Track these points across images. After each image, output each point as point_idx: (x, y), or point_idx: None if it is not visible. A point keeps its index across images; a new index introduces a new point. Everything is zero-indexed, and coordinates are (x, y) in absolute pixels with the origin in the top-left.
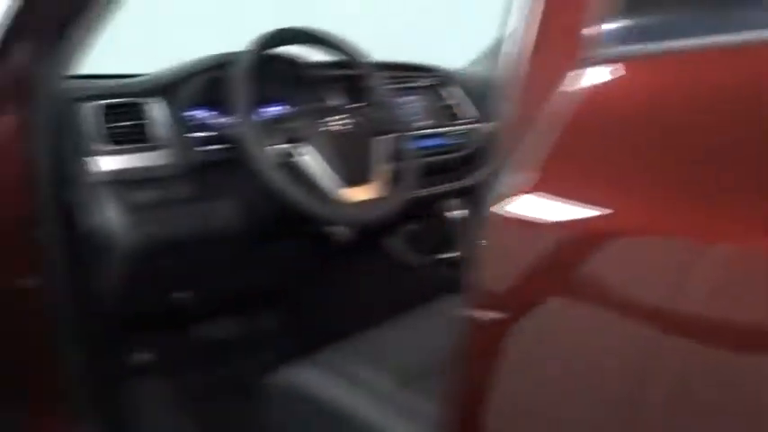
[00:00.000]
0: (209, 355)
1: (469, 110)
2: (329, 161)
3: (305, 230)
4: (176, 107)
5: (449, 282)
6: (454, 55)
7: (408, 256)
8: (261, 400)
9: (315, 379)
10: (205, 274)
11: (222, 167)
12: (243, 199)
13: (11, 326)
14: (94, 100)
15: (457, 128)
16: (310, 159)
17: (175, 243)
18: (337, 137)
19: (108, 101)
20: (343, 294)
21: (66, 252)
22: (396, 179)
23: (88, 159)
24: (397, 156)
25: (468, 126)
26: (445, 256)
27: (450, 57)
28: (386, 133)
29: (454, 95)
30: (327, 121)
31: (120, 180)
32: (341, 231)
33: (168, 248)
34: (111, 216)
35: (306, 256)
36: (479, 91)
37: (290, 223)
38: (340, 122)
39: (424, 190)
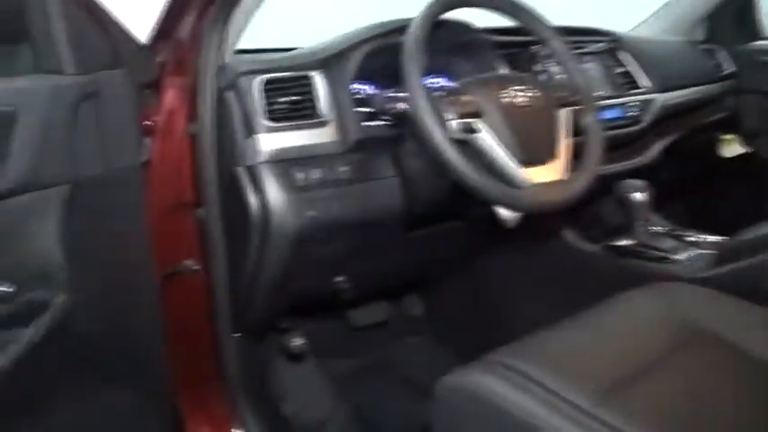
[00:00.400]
0: (359, 340)
1: (642, 78)
2: (508, 137)
3: (471, 213)
4: (341, 80)
5: (625, 273)
6: (620, 16)
7: (581, 243)
8: (430, 401)
9: (496, 385)
10: (361, 258)
11: (387, 145)
12: (407, 179)
13: (174, 306)
14: (257, 74)
15: (634, 98)
16: (488, 136)
17: (336, 225)
18: (517, 110)
19: (270, 75)
20: (505, 283)
21: (227, 233)
22: (580, 157)
23: (253, 136)
24: (581, 130)
25: (645, 96)
26: (621, 243)
27: (615, 18)
28: (570, 105)
29: (629, 62)
30: (505, 93)
31: (282, 159)
32: (511, 215)
33: (329, 231)
34: (273, 197)
35: (466, 239)
36: (651, 57)
37: (455, 205)
38: (519, 94)
39: (603, 168)
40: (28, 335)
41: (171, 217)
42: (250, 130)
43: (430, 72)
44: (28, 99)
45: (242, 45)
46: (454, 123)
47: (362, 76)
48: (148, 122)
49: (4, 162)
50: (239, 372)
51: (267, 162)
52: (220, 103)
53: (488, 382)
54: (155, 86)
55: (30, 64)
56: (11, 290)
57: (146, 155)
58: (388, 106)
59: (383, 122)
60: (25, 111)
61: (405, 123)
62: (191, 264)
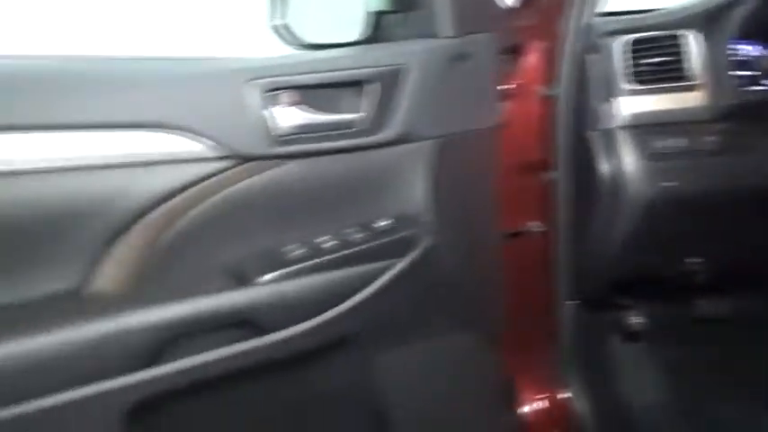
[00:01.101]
0: (703, 332)
1: None
2: None
3: None
4: (717, 40)
5: None
6: None
7: None
8: None
9: None
10: (721, 240)
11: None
12: None
13: (514, 266)
14: (622, 34)
15: None
16: None
17: (695, 200)
18: None
19: (637, 35)
20: None
21: (575, 198)
22: None
23: (611, 100)
24: None
25: None
26: None
27: None
28: None
29: None
30: None
31: (641, 124)
32: None
33: (687, 205)
34: (628, 163)
35: None
36: None
37: None
38: None
39: None
40: (401, 265)
41: (518, 178)
42: (609, 93)
43: None
44: (414, 58)
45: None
46: None
47: (743, 36)
48: (506, 86)
49: (392, 115)
50: (571, 339)
51: (624, 127)
52: (580, 65)
53: None
54: (515, 51)
55: (415, 28)
56: (385, 224)
57: (500, 117)
58: None
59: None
60: (411, 67)
61: None
62: (535, 225)
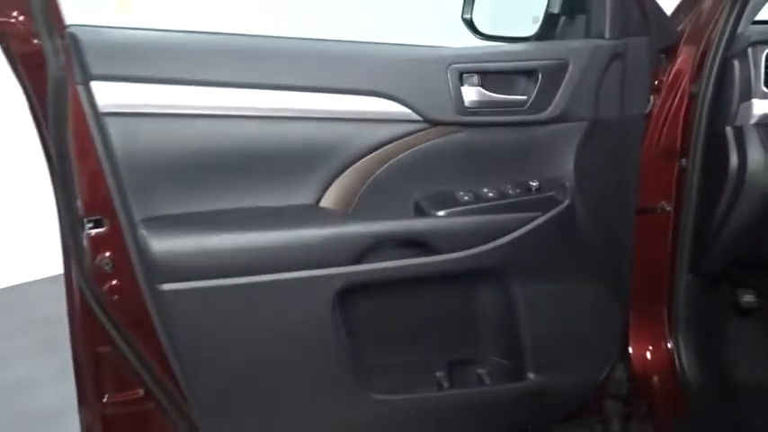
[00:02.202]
0: None
1: None
2: None
3: None
4: None
5: None
6: None
7: None
8: None
9: None
10: None
11: None
12: None
13: (641, 238)
14: (765, 45)
15: None
16: None
17: None
18: None
19: None
20: None
21: (704, 184)
22: None
23: (747, 101)
24: None
25: None
26: None
27: None
28: None
29: None
30: None
31: None
32: None
33: None
34: (753, 156)
35: None
36: None
37: None
38: None
39: None
40: (541, 219)
41: (657, 162)
42: (746, 95)
43: None
44: (576, 54)
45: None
46: None
47: None
48: (657, 81)
49: (554, 99)
50: (686, 306)
51: (756, 124)
52: (724, 68)
53: None
54: (669, 51)
55: (582, 29)
56: (535, 185)
57: (649, 108)
58: None
59: None
60: (574, 62)
61: None
62: (664, 204)
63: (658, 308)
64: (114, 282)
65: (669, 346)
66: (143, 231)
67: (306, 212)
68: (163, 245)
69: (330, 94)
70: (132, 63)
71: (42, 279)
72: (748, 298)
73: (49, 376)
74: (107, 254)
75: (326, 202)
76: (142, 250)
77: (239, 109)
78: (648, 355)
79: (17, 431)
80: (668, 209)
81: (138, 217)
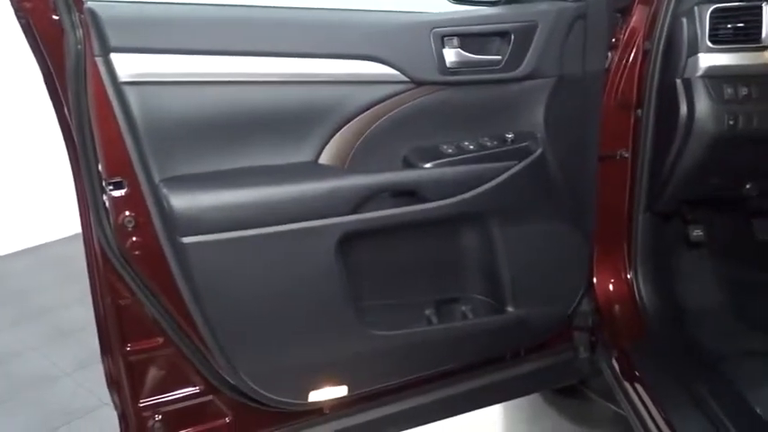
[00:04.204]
0: (760, 251)
1: None
2: None
3: None
4: None
5: None
6: None
7: None
8: None
9: None
10: None
11: None
12: None
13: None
14: (711, 3)
15: None
16: None
17: (756, 137)
18: None
19: (722, 5)
20: None
21: (657, 131)
22: None
23: (695, 55)
24: None
25: None
26: None
27: None
28: None
29: None
30: None
31: (716, 75)
32: None
33: (748, 141)
34: (700, 106)
35: None
36: None
37: None
38: None
39: None
40: (517, 167)
41: (615, 113)
42: (693, 50)
43: None
44: (544, 16)
45: None
46: None
47: None
48: (614, 39)
49: (524, 58)
50: (644, 242)
51: (702, 76)
52: (674, 26)
53: None
54: (625, 11)
55: None
56: (511, 137)
57: (607, 64)
58: None
59: None
60: (542, 23)
61: None
62: (623, 151)
63: (619, 244)
64: (135, 238)
65: (629, 277)
66: (163, 190)
67: (307, 169)
68: (181, 202)
69: (326, 59)
70: (147, 35)
71: (13, 253)
72: (697, 232)
73: (32, 345)
74: (129, 213)
75: (325, 158)
76: (162, 207)
77: (246, 75)
78: (611, 286)
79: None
80: (626, 155)
81: (157, 177)
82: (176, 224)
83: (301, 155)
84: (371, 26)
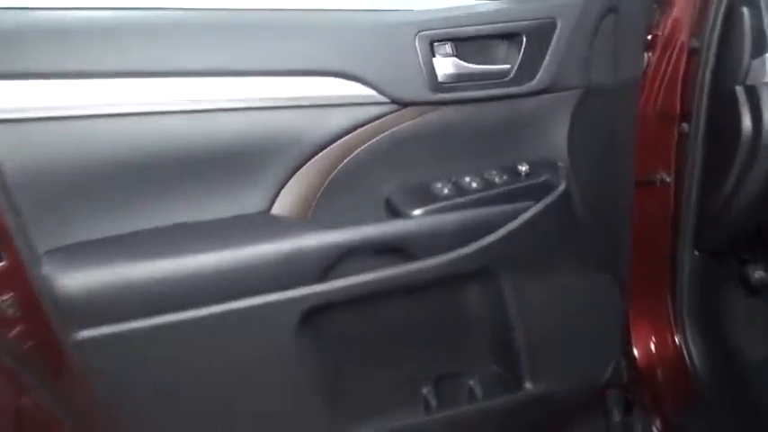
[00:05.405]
0: None
1: None
2: None
3: None
4: None
5: None
6: None
7: None
8: None
9: None
10: None
11: None
12: None
13: (641, 213)
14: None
15: None
16: None
17: None
18: None
19: None
20: None
21: (708, 151)
22: None
23: (760, 56)
24: None
25: None
26: None
27: None
28: None
29: None
30: None
31: None
32: None
33: None
34: (766, 119)
35: None
36: None
37: None
38: None
39: None
40: (534, 210)
41: (654, 128)
42: (760, 49)
43: None
44: (565, 11)
45: None
46: None
47: None
48: (651, 36)
49: (541, 66)
50: (690, 287)
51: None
52: (730, 18)
53: None
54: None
55: None
56: (525, 169)
57: (644, 66)
58: None
59: None
60: (562, 20)
61: None
62: (664, 175)
63: (660, 290)
64: (21, 327)
65: (673, 330)
66: (49, 266)
67: (255, 224)
68: (76, 281)
69: (275, 77)
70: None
71: None
72: (759, 274)
73: None
74: (9, 294)
75: (280, 208)
76: (51, 288)
77: (160, 103)
78: (651, 341)
79: None
80: (668, 180)
81: (42, 247)
82: (70, 312)
83: (247, 204)
84: (331, 30)
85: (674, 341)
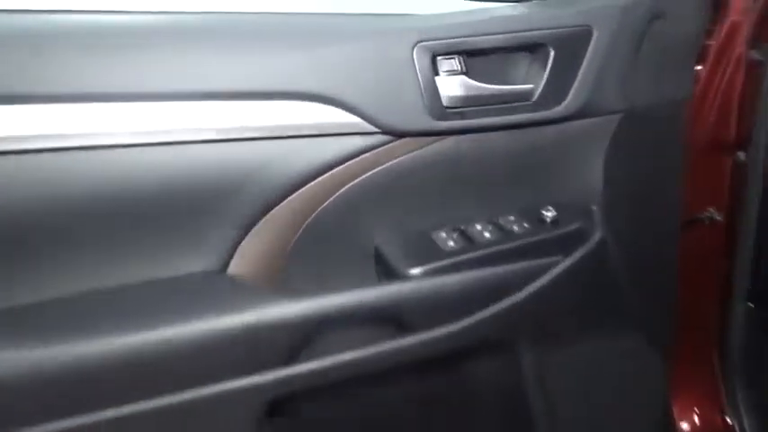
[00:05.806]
0: None
1: None
2: None
3: None
4: None
5: None
6: None
7: None
8: None
9: None
10: None
11: None
12: None
13: (685, 259)
14: None
15: None
16: None
17: None
18: None
19: None
20: None
21: (767, 182)
22: None
23: None
24: None
25: None
26: None
27: None
28: None
29: None
30: None
31: None
32: None
33: None
34: None
35: None
36: None
37: None
38: None
39: None
40: (562, 267)
41: (705, 158)
42: None
43: None
44: (601, 18)
45: None
46: None
47: None
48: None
49: (571, 85)
50: (744, 348)
51: None
52: None
53: None
54: (717, 5)
55: None
56: (551, 215)
57: (694, 86)
58: None
59: None
60: (598, 29)
61: None
62: (713, 212)
63: (707, 350)
64: None
65: (722, 400)
66: None
67: (202, 289)
68: None
69: (221, 101)
70: None
71: None
72: None
73: None
74: None
75: (238, 266)
76: None
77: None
78: (696, 417)
79: None
80: (718, 218)
81: None
82: None
83: (194, 263)
84: (308, 40)
85: (723, 415)
